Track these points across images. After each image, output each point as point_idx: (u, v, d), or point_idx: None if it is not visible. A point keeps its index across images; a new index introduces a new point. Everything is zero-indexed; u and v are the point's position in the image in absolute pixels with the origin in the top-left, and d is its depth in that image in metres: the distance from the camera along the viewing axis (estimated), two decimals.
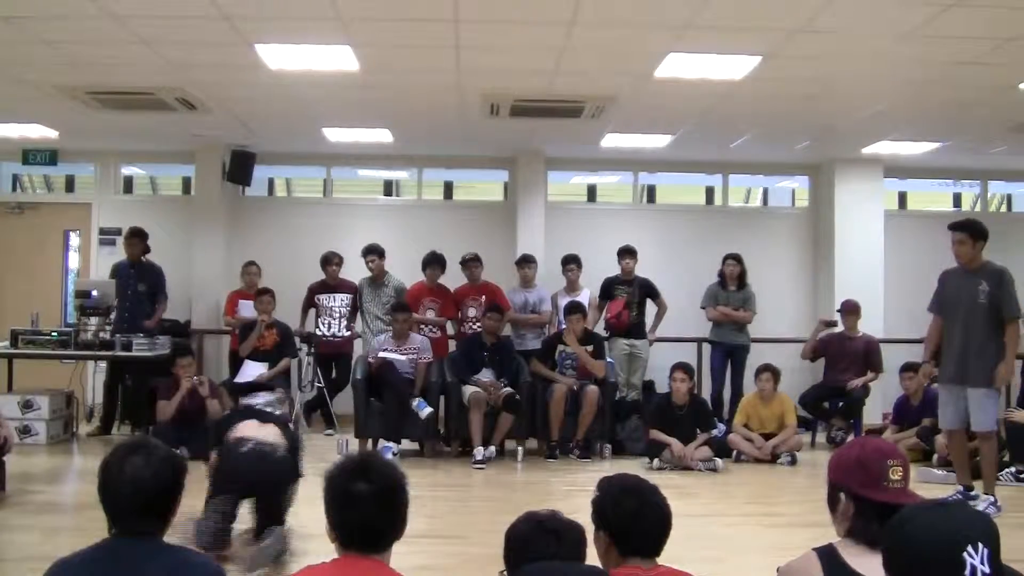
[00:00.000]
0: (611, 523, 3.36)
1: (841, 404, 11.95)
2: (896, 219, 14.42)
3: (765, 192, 16.68)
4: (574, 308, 11.35)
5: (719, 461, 10.40)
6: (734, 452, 10.92)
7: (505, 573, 3.42)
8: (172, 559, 3.07)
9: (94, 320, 11.33)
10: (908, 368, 11.33)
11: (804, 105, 10.51)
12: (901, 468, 3.06)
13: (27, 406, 11.15)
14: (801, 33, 7.85)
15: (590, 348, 11.28)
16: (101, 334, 11.27)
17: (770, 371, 11.18)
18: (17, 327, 11.29)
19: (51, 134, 12.82)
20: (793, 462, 10.77)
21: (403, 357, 11.01)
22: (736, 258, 12.54)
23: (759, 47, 8.36)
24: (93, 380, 12.68)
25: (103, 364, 12.13)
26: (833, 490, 3.12)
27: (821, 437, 12.07)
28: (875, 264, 13.83)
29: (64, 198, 15.48)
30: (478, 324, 11.64)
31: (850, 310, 12.31)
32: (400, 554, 3.20)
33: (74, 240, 14.48)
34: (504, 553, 3.44)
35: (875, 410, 12.57)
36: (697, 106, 10.63)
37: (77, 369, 12.08)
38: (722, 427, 11.43)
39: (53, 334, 11.30)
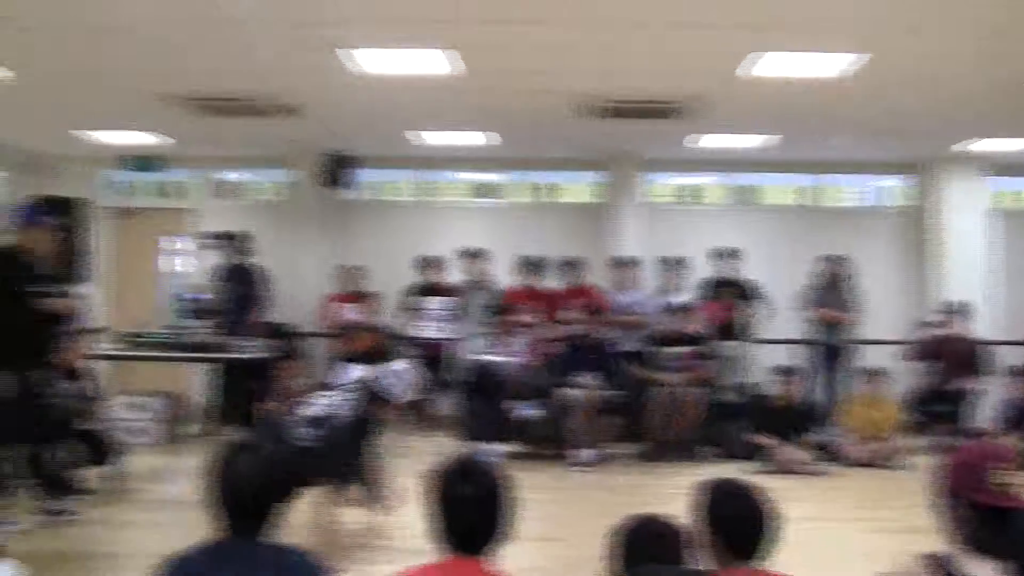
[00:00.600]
0: (714, 526, 3.33)
1: (948, 407, 11.76)
2: (1001, 217, 14.15)
3: (865, 192, 16.45)
4: (675, 307, 11.32)
5: (823, 464, 10.29)
6: (838, 455, 10.78)
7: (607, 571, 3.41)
8: (280, 556, 3.13)
9: (198, 322, 11.55)
10: (1015, 372, 11.10)
11: (904, 102, 10.33)
12: (1011, 472, 3.01)
13: (136, 407, 11.37)
14: (899, 29, 7.74)
15: (695, 350, 11.24)
16: (205, 336, 11.47)
17: (874, 373, 11.03)
18: (126, 330, 11.54)
19: (156, 141, 13.08)
20: (899, 466, 10.61)
21: (504, 360, 11.04)
22: (836, 258, 12.39)
23: (856, 44, 8.26)
24: (199, 381, 12.90)
25: (208, 365, 12.35)
26: (941, 495, 3.08)
27: (928, 441, 11.87)
28: (980, 264, 13.60)
29: (167, 203, 15.78)
30: (577, 326, 11.64)
31: (955, 311, 12.12)
32: (501, 556, 3.22)
33: (179, 244, 14.74)
34: (608, 555, 3.44)
35: (983, 413, 12.34)
36: (793, 105, 10.52)
37: (183, 371, 12.29)
38: (826, 430, 11.31)
39: (159, 336, 11.54)
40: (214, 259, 12.95)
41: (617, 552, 3.45)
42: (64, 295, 8.63)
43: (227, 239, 12.66)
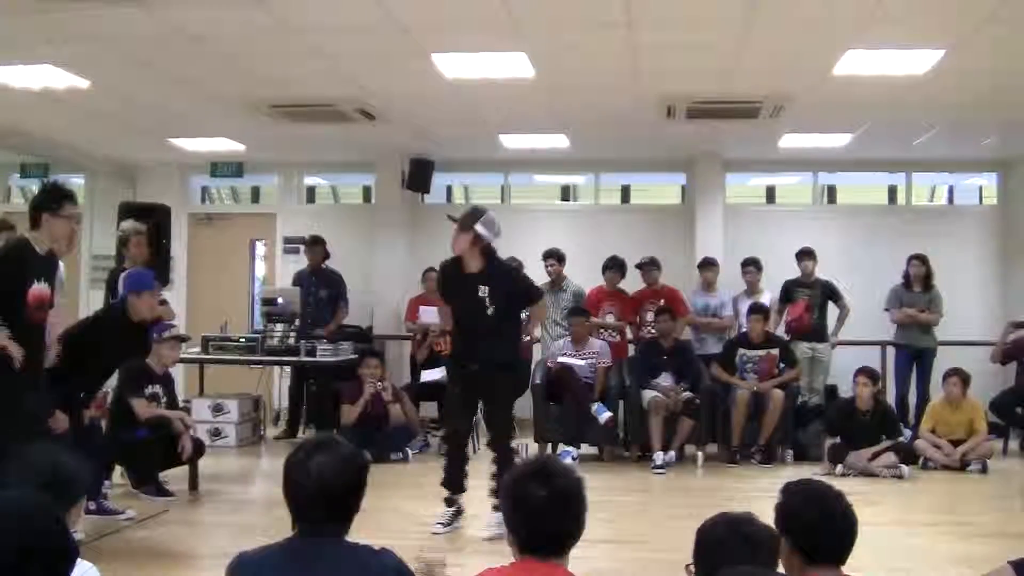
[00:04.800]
0: (795, 530, 3.27)
1: None
2: None
3: (950, 190, 16.22)
4: (756, 309, 11.23)
5: (905, 468, 10.12)
6: (921, 459, 10.61)
7: (692, 568, 3.35)
8: (355, 556, 3.13)
9: (280, 326, 11.65)
10: None
11: (991, 98, 10.15)
12: None
13: (217, 409, 11.52)
14: (986, 23, 7.60)
15: (775, 352, 11.14)
16: (287, 340, 11.56)
17: (958, 375, 10.84)
18: (208, 333, 11.69)
19: (237, 147, 13.23)
20: (984, 470, 10.41)
21: (582, 362, 11.02)
22: (921, 258, 12.18)
23: (942, 40, 8.12)
24: (280, 384, 13.03)
25: (289, 368, 12.45)
26: None
27: (1014, 444, 11.65)
28: None
29: (250, 208, 15.99)
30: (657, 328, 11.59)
31: None
32: (579, 558, 3.20)
33: (260, 249, 14.90)
34: (694, 552, 3.39)
35: None
36: (878, 103, 10.36)
37: (264, 374, 12.42)
38: (908, 432, 11.14)
39: (241, 340, 11.67)
40: (294, 264, 13.03)
41: (705, 549, 3.38)
42: (162, 302, 8.87)
43: (306, 244, 12.77)
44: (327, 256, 12.62)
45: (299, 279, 12.60)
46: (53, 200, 6.38)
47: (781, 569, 3.29)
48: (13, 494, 2.60)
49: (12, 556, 2.34)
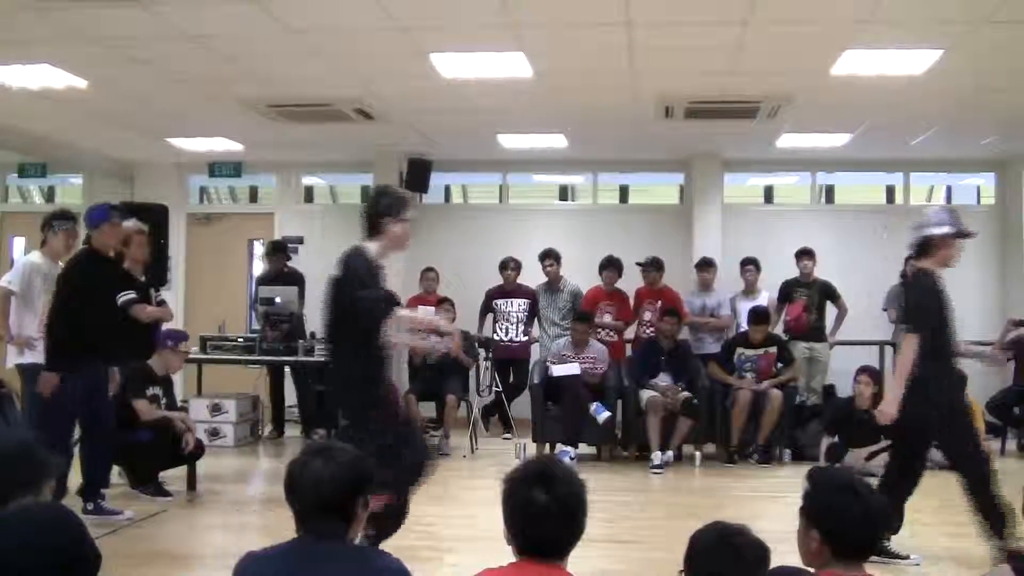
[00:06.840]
0: (826, 522, 3.20)
1: None
2: None
3: (948, 190, 16.22)
4: (759, 319, 11.17)
5: None
6: None
7: (683, 574, 3.35)
8: (356, 559, 3.15)
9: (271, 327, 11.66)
10: None
11: (989, 99, 10.17)
12: None
13: (215, 409, 11.50)
14: (984, 24, 7.61)
15: (773, 350, 11.13)
16: (280, 341, 11.55)
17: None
18: (206, 333, 11.68)
19: (235, 147, 13.23)
20: None
21: (576, 370, 10.94)
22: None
23: (941, 40, 8.13)
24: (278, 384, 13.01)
25: (288, 369, 12.42)
26: None
27: (1012, 444, 11.65)
28: None
29: (248, 208, 15.97)
30: (654, 328, 11.58)
31: None
32: (578, 558, 3.19)
33: (258, 249, 14.87)
34: (685, 559, 3.39)
35: None
36: (876, 103, 10.39)
37: (262, 374, 12.40)
38: None
39: (239, 340, 11.67)
40: (296, 263, 12.99)
41: (694, 557, 3.38)
42: (161, 302, 8.96)
43: (269, 251, 12.72)
44: (288, 259, 12.64)
45: (263, 282, 12.55)
46: (398, 206, 6.48)
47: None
48: (43, 506, 2.67)
49: (51, 564, 2.46)
